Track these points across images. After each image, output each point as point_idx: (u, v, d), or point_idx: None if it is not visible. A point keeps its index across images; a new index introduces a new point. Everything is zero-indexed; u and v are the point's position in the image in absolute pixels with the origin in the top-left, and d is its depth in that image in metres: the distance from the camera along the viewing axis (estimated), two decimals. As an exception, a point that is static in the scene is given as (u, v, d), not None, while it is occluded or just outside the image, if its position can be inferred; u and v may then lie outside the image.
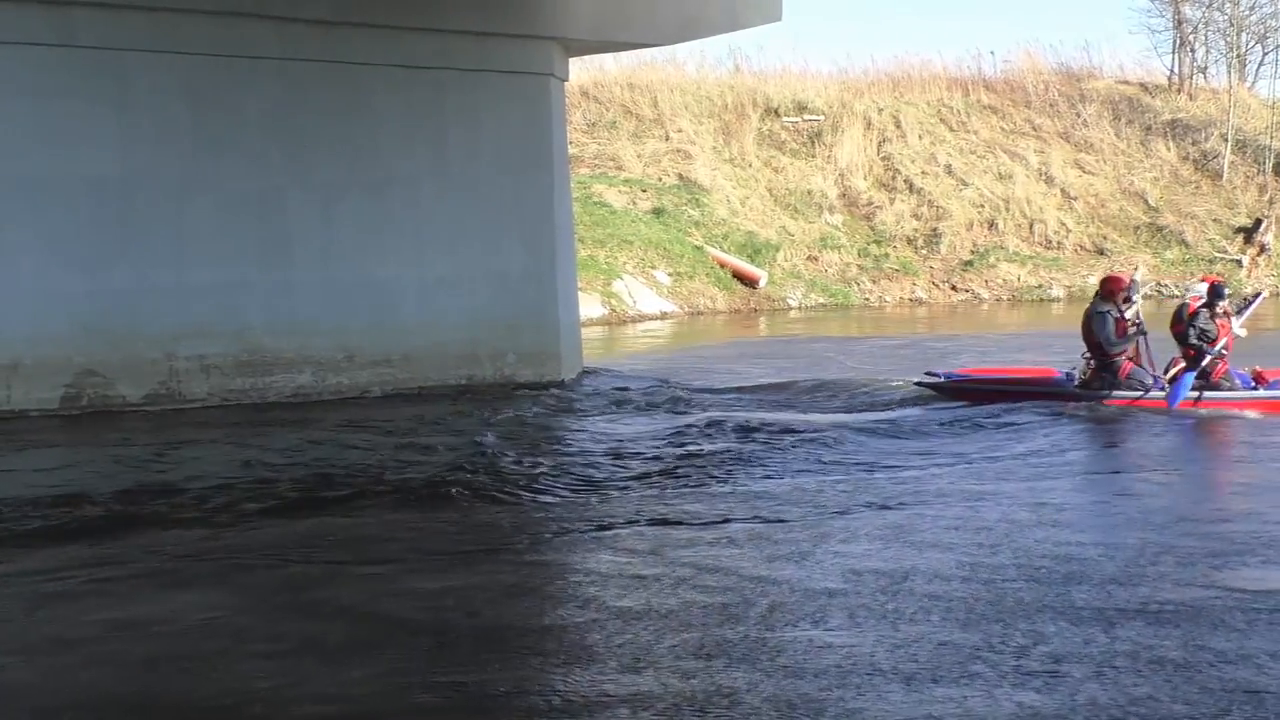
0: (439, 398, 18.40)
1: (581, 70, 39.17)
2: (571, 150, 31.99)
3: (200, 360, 17.77)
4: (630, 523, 10.40)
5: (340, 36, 18.44)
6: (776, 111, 43.86)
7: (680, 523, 10.29)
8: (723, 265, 36.71)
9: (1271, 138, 47.71)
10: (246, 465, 13.27)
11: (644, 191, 38.78)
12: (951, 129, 46.03)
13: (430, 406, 17.58)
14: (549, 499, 11.51)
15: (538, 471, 12.72)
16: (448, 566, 9.16)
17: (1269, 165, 47.08)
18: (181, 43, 17.49)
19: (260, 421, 16.47)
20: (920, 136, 44.91)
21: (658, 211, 37.71)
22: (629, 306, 33.34)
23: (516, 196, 19.89)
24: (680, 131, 41.78)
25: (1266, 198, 45.91)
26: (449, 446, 14.15)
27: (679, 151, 41.11)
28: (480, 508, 11.14)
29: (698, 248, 36.78)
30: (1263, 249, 43.78)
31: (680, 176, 40.14)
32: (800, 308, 36.99)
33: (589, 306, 30.39)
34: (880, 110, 45.23)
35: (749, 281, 36.85)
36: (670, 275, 35.19)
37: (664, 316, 33.55)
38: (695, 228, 37.79)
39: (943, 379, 17.68)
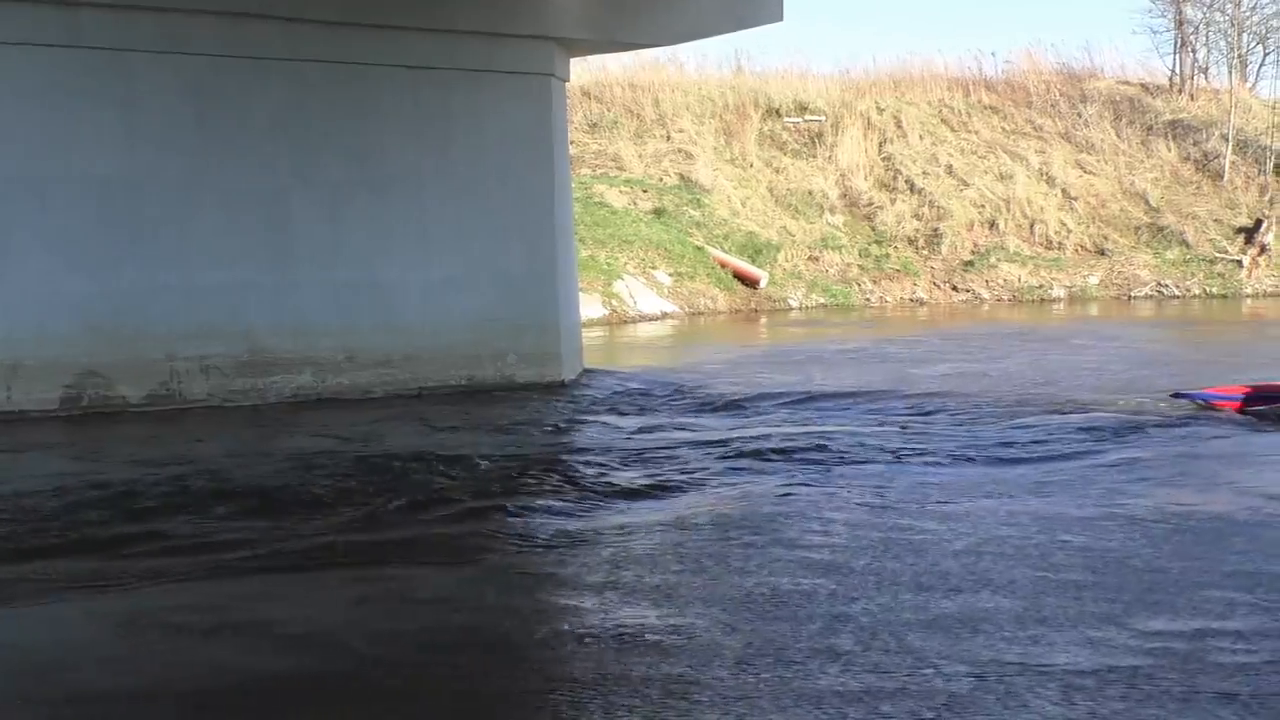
0: (439, 398, 18.48)
1: (583, 70, 39.20)
2: (573, 150, 32.09)
3: (201, 361, 17.86)
4: (615, 525, 10.66)
5: (346, 37, 18.52)
6: (778, 112, 43.88)
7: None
8: (724, 265, 36.72)
9: (1272, 138, 47.72)
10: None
11: (645, 192, 38.79)
12: (953, 129, 46.05)
13: (431, 407, 17.71)
14: (517, 504, 11.62)
15: (507, 474, 12.86)
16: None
17: (1269, 166, 47.09)
18: (188, 43, 17.59)
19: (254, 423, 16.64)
20: (921, 137, 44.93)
21: (659, 212, 37.73)
22: (630, 307, 33.34)
23: (519, 197, 19.96)
24: (681, 132, 41.81)
25: (1267, 198, 45.92)
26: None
27: (680, 152, 41.13)
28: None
29: (699, 248, 36.79)
30: (1263, 249, 43.78)
31: (681, 177, 40.15)
32: (801, 308, 37.00)
33: (590, 307, 30.39)
34: (881, 110, 45.25)
35: (750, 282, 36.86)
36: (671, 276, 35.20)
37: (665, 317, 33.55)
38: (696, 228, 37.81)
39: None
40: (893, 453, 13.90)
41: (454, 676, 7.29)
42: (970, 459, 13.55)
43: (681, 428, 15.58)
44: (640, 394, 18.96)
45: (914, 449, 14.06)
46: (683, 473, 12.78)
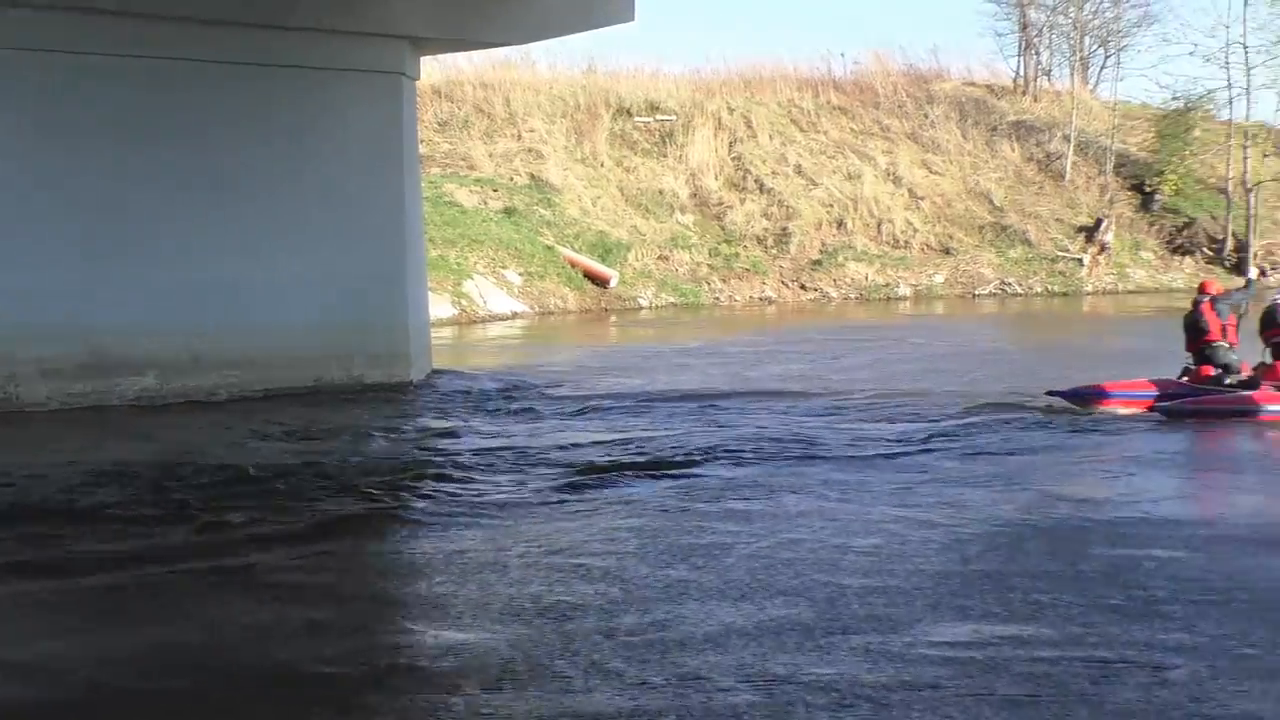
0: (284, 401, 18.34)
1: (434, 69, 39.08)
2: (423, 149, 32.08)
3: (39, 364, 17.55)
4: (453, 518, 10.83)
5: (192, 34, 18.26)
6: (629, 111, 44.05)
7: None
8: (574, 265, 36.83)
9: (1112, 139, 48.79)
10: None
11: (495, 191, 38.80)
12: (802, 129, 46.54)
13: (271, 410, 17.55)
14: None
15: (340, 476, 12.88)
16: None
17: (1109, 166, 48.19)
18: (26, 39, 17.28)
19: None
20: (771, 137, 45.35)
21: (509, 211, 37.75)
22: (480, 307, 33.37)
23: (367, 196, 19.90)
24: (532, 131, 41.86)
25: (1107, 198, 46.99)
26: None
27: (531, 151, 41.18)
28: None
29: (549, 247, 36.88)
30: (1103, 248, 44.78)
31: (532, 176, 40.21)
32: (651, 307, 37.22)
33: (439, 307, 30.39)
34: (732, 110, 45.59)
35: (600, 281, 37.01)
36: (521, 275, 35.27)
37: (515, 317, 33.62)
38: (547, 227, 37.88)
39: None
40: (705, 453, 13.97)
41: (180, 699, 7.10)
42: (782, 460, 13.67)
43: (512, 434, 15.56)
44: (483, 396, 19.04)
45: (729, 450, 14.12)
46: (495, 480, 12.69)
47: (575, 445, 14.56)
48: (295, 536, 10.50)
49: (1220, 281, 18.55)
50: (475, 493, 12.09)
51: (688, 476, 12.80)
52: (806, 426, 15.82)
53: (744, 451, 14.08)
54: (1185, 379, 17.44)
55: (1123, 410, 16.89)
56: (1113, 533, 10.48)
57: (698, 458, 13.73)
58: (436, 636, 7.97)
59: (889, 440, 14.87)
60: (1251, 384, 16.86)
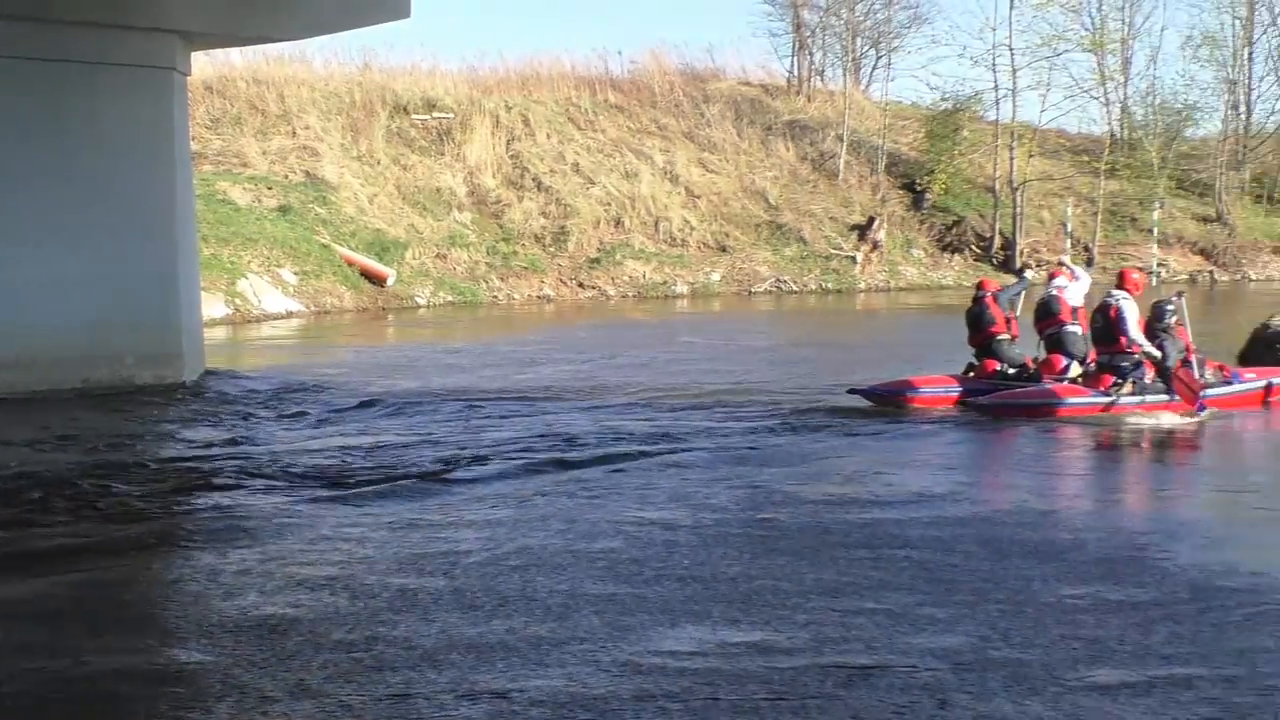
0: (50, 403, 17.80)
1: (205, 64, 38.36)
2: (195, 146, 31.46)
3: None
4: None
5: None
6: (405, 109, 43.75)
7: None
8: (350, 263, 36.44)
9: (884, 139, 49.77)
10: None
11: (270, 189, 38.22)
12: (579, 128, 46.65)
13: (33, 413, 16.95)
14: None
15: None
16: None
17: (881, 166, 49.21)
18: None
19: None
20: (548, 135, 45.38)
21: (284, 209, 37.21)
22: (254, 306, 32.86)
23: (138, 193, 19.50)
24: (307, 128, 41.33)
25: (879, 197, 47.95)
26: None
27: (306, 148, 40.65)
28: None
29: (325, 246, 36.43)
30: (875, 246, 45.69)
31: (307, 174, 39.69)
32: (429, 306, 36.99)
33: (212, 306, 29.92)
34: (509, 108, 45.52)
35: (377, 280, 36.66)
36: (297, 274, 34.79)
37: (290, 316, 33.15)
38: (323, 226, 37.43)
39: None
40: (463, 456, 13.73)
41: None
42: (539, 462, 13.45)
43: (278, 440, 15.21)
44: (254, 398, 18.67)
45: (488, 454, 13.88)
46: (252, 490, 12.25)
47: (338, 450, 14.24)
48: (33, 555, 9.91)
49: (996, 279, 18.89)
50: (229, 504, 11.61)
51: (442, 481, 12.55)
52: (570, 427, 15.61)
53: (503, 454, 13.84)
54: (971, 375, 17.68)
55: (926, 407, 16.95)
56: (871, 534, 10.41)
57: (456, 461, 13.48)
58: (149, 657, 7.56)
59: (649, 440, 14.68)
60: (1033, 378, 17.18)
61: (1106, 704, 6.74)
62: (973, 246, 47.68)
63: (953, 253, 47.42)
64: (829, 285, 43.90)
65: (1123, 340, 16.28)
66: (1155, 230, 47.83)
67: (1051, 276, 18.99)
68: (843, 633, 7.87)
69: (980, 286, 18.46)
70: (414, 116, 43.72)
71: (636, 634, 7.85)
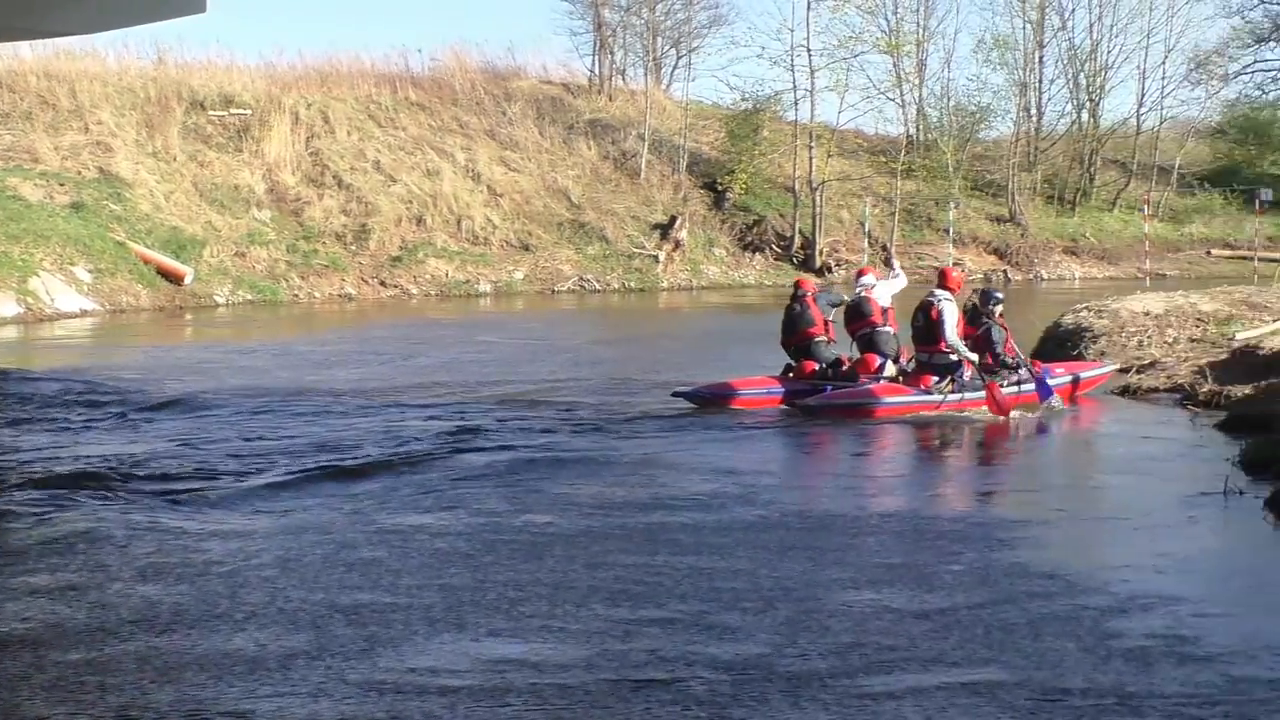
0: None
1: (-7, 57, 37.46)
2: (-18, 142, 30.62)
3: None
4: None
5: None
6: (202, 105, 43.00)
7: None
8: (147, 261, 35.68)
9: (685, 139, 50.08)
10: None
11: (62, 185, 37.28)
12: (380, 125, 46.28)
13: None
14: None
15: None
16: None
17: (683, 165, 49.50)
18: None
19: None
20: (349, 133, 44.95)
21: (77, 206, 36.33)
22: (47, 305, 32.04)
23: (-80, 191, 18.91)
24: (101, 124, 40.38)
25: (681, 196, 48.23)
26: None
27: (100, 144, 39.71)
28: None
29: (120, 244, 35.64)
30: (678, 245, 45.93)
31: (101, 170, 38.77)
32: (228, 305, 36.36)
33: (2, 305, 29.20)
34: (309, 105, 45.00)
35: (175, 278, 35.95)
36: (91, 272, 33.99)
37: (85, 315, 32.39)
38: (118, 223, 36.61)
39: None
40: (240, 463, 13.31)
41: None
42: (302, 470, 12.99)
43: (37, 443, 14.62)
44: (45, 399, 18.10)
45: (267, 460, 13.50)
46: (21, 499, 11.58)
47: (110, 455, 13.70)
48: None
49: (812, 279, 18.95)
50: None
51: (206, 487, 12.09)
52: (351, 431, 15.26)
53: (275, 460, 13.48)
54: (790, 375, 17.62)
55: (750, 409, 16.84)
56: (655, 540, 10.17)
57: (223, 467, 13.09)
58: None
59: (432, 444, 14.35)
60: (849, 377, 17.22)
61: (899, 711, 6.67)
62: (773, 246, 48.17)
63: (754, 252, 47.87)
64: (632, 284, 44.04)
65: (942, 341, 16.51)
66: (951, 230, 48.72)
67: (860, 274, 19.18)
68: (618, 644, 7.64)
69: (799, 286, 18.33)
70: (211, 113, 43.00)
71: (393, 648, 7.57)
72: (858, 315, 17.85)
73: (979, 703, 6.75)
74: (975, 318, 17.16)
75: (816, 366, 17.49)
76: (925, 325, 16.70)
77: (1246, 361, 18.35)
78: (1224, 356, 19.07)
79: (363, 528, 10.49)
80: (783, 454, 15.24)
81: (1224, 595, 8.75)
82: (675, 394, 17.18)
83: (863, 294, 17.93)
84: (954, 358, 16.54)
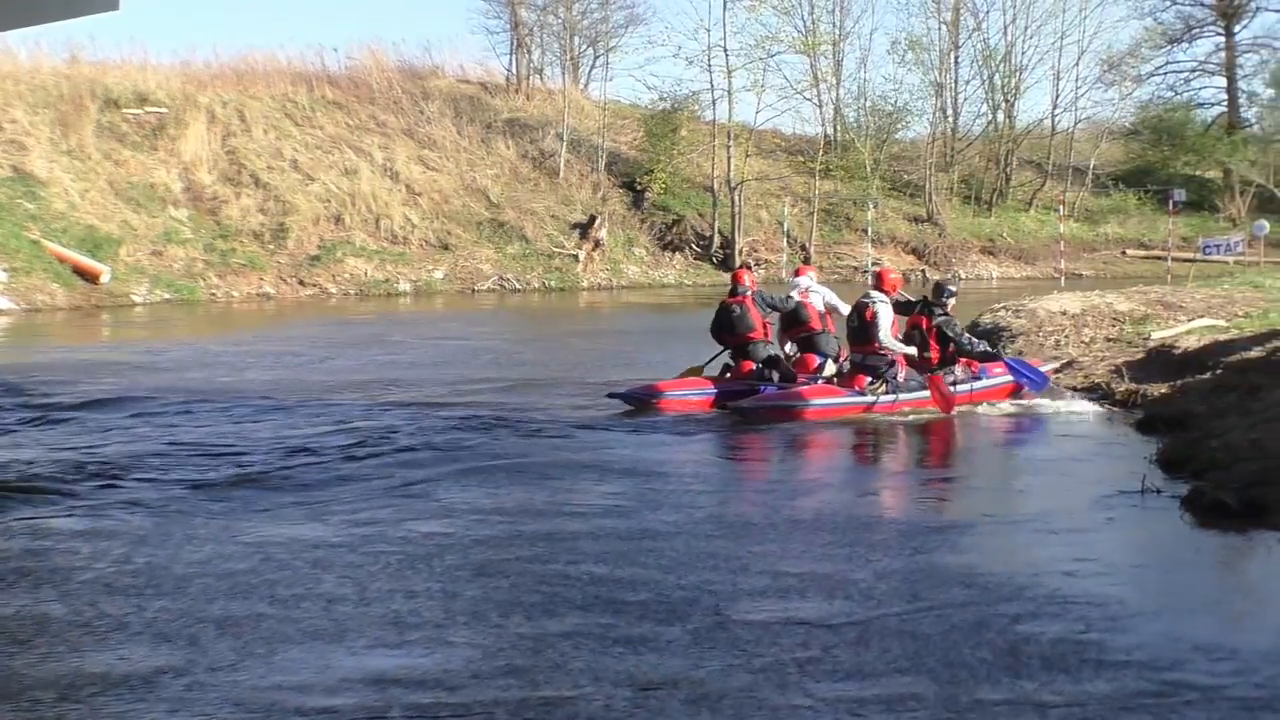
0: None
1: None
2: (-107, 140, 30.15)
3: None
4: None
5: None
6: (116, 103, 42.56)
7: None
8: (62, 260, 35.31)
9: (603, 138, 50.12)
10: None
11: (-25, 184, 36.86)
12: (297, 124, 46.05)
13: None
14: None
15: None
16: None
17: (602, 164, 49.53)
18: None
19: None
20: (266, 131, 44.69)
21: (-10, 205, 35.94)
22: (-40, 304, 31.68)
23: None
24: (14, 122, 39.85)
25: (600, 195, 48.29)
26: None
27: (13, 143, 39.18)
28: None
29: (35, 242, 35.25)
30: (597, 244, 45.98)
31: (15, 169, 38.25)
32: (146, 304, 36.01)
33: (-85, 305, 28.86)
34: (225, 104, 44.70)
35: (91, 277, 35.60)
36: (6, 270, 33.59)
37: (0, 314, 32.06)
38: (32, 221, 36.19)
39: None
40: (131, 466, 12.81)
41: None
42: (188, 476, 12.51)
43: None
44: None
45: (137, 465, 12.95)
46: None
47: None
48: None
49: (748, 273, 18.72)
50: None
51: (80, 491, 11.54)
52: (249, 436, 14.73)
53: (162, 464, 12.93)
54: (728, 376, 17.41)
55: (682, 410, 16.58)
56: (552, 548, 9.75)
57: (104, 471, 12.47)
58: None
59: (328, 449, 13.82)
60: (787, 377, 17.06)
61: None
62: (693, 245, 48.34)
63: (674, 251, 48.01)
64: (552, 283, 44.03)
65: (876, 343, 16.54)
66: (869, 230, 49.02)
67: (797, 273, 19.12)
68: (510, 658, 7.28)
69: (737, 282, 17.85)
70: (125, 111, 42.57)
71: (268, 663, 7.20)
72: (795, 321, 17.77)
73: (896, 716, 6.58)
74: (927, 309, 17.20)
75: (754, 366, 17.30)
76: (860, 326, 16.66)
77: (1162, 361, 18.47)
78: (1140, 356, 19.21)
79: (242, 537, 10.01)
80: (703, 458, 14.65)
81: (1142, 596, 8.62)
82: (610, 395, 16.98)
83: (798, 298, 17.89)
84: (889, 359, 16.57)
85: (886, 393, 16.47)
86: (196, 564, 9.22)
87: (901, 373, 16.62)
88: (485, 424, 15.52)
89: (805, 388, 16.77)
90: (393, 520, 10.62)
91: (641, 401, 16.85)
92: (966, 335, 17.42)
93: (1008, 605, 8.31)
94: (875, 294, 16.76)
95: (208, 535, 10.06)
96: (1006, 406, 17.18)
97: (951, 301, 17.32)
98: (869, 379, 16.54)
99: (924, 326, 17.09)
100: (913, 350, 16.82)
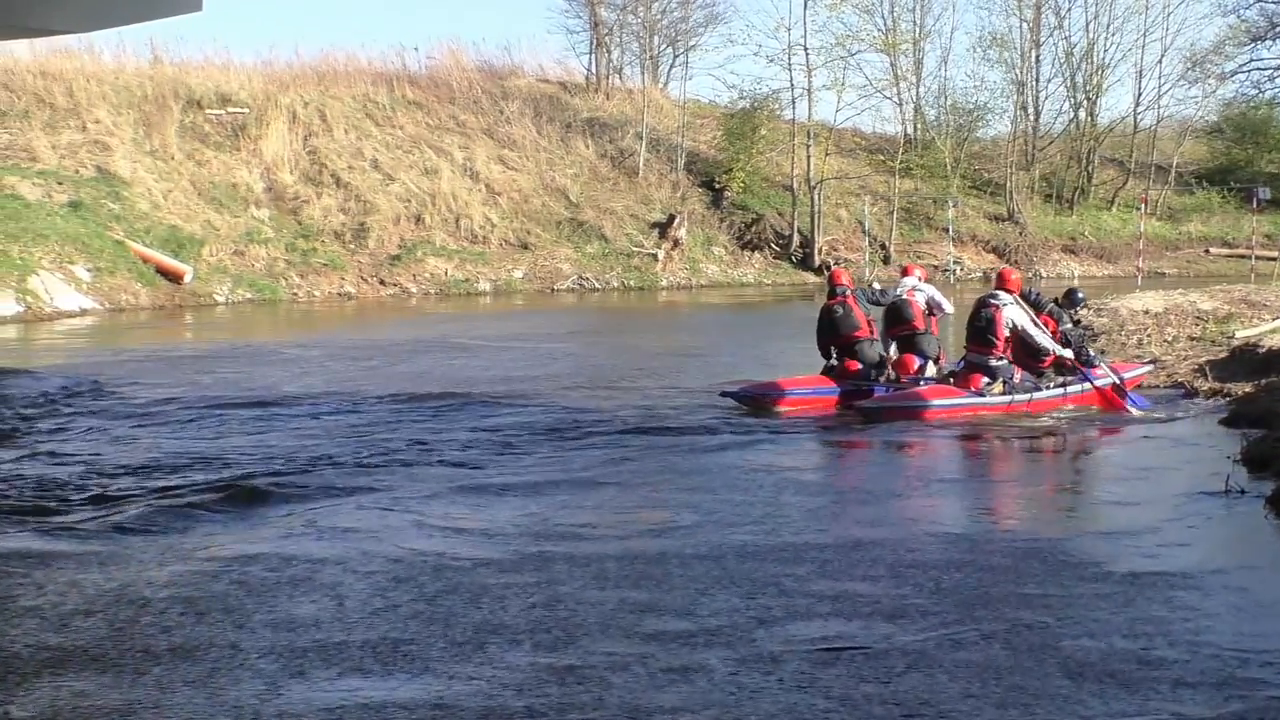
0: None
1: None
2: (-21, 141, 30.45)
3: None
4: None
5: None
6: (199, 103, 42.88)
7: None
8: (146, 260, 35.57)
9: (682, 137, 50.01)
10: None
11: (60, 184, 37.13)
12: (377, 124, 46.20)
13: None
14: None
15: None
16: None
17: (681, 163, 49.39)
18: None
19: None
20: (347, 131, 44.86)
21: (75, 205, 36.19)
22: (46, 304, 31.89)
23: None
24: (98, 122, 40.25)
25: (679, 194, 48.16)
26: None
27: (97, 143, 39.56)
28: None
29: (119, 242, 35.52)
30: (676, 243, 45.86)
31: (99, 169, 38.62)
32: (228, 303, 36.24)
33: (2, 304, 29.06)
34: (306, 104, 44.92)
35: (174, 277, 35.83)
36: (90, 271, 33.84)
37: (84, 314, 32.23)
38: (116, 222, 36.48)
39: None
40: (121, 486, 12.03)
41: None
42: (188, 489, 11.82)
43: (55, 452, 14.13)
44: (43, 400, 17.82)
45: (151, 475, 12.41)
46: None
47: (118, 467, 12.88)
48: None
49: (845, 271, 18.46)
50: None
51: (92, 512, 10.84)
52: (297, 442, 14.30)
53: (182, 475, 12.38)
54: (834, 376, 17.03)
55: (800, 410, 16.21)
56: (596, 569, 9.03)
57: (124, 485, 11.95)
58: None
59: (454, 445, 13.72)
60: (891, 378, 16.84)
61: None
62: (772, 244, 48.14)
63: (753, 250, 47.82)
64: (631, 283, 43.95)
65: (1000, 344, 16.21)
66: (950, 229, 48.73)
67: (905, 272, 18.89)
68: (511, 697, 6.64)
69: (835, 282, 17.47)
70: (208, 111, 42.89)
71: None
72: (899, 319, 17.54)
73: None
74: (1055, 313, 16.99)
75: (859, 366, 16.93)
76: (985, 326, 16.32)
77: (1246, 360, 18.26)
78: (1223, 355, 18.98)
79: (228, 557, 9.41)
80: (798, 465, 13.77)
81: (1223, 603, 8.28)
82: (724, 394, 16.57)
83: (904, 295, 17.64)
84: (1004, 361, 16.24)
85: (1003, 393, 16.20)
86: (185, 586, 8.66)
87: (1018, 374, 16.36)
88: (608, 425, 15.29)
89: (925, 388, 16.55)
90: (388, 536, 10.06)
91: (759, 401, 16.35)
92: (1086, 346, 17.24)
93: (1084, 613, 8.03)
94: (1003, 295, 16.39)
95: (184, 554, 9.51)
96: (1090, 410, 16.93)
97: (1081, 311, 17.10)
98: (985, 379, 16.24)
99: (1051, 329, 16.82)
100: (1069, 352, 16.60)
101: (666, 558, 9.33)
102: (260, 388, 19.09)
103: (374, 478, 12.31)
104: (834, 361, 17.22)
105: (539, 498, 11.44)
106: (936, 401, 16.12)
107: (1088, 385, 16.76)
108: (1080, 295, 17.49)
